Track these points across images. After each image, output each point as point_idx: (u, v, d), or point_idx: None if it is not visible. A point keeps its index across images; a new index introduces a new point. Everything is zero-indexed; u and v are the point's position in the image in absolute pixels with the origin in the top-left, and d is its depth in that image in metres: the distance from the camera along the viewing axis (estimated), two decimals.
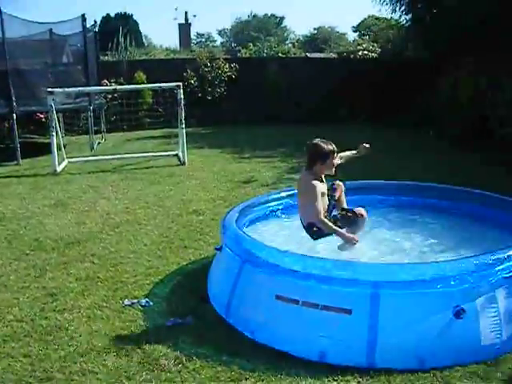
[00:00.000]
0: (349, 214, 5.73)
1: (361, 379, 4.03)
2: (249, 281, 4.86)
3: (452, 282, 4.22)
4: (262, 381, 4.04)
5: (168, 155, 13.05)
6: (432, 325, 4.23)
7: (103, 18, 48.20)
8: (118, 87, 16.08)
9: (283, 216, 6.63)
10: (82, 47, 15.76)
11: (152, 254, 6.72)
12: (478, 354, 4.24)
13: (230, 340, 4.62)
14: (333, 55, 29.16)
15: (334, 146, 5.73)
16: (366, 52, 23.49)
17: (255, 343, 4.54)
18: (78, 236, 7.48)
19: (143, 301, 5.39)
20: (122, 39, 22.13)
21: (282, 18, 76.28)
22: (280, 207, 6.75)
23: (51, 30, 15.25)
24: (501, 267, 4.38)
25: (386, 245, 5.88)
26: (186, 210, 8.67)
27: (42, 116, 15.90)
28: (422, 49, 18.72)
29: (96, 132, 16.77)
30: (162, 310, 5.24)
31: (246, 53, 31.85)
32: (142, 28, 50.00)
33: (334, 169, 5.71)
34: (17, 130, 13.10)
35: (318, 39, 63.63)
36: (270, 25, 73.84)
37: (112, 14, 51.07)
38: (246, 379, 4.07)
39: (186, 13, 40.89)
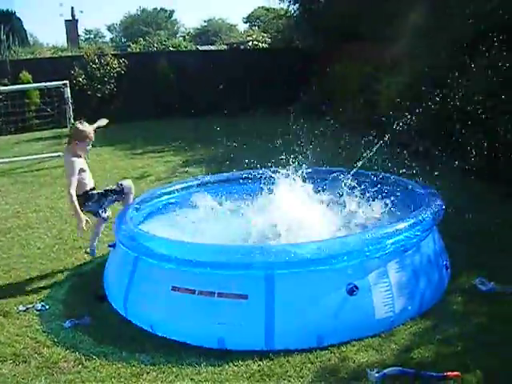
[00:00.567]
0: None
1: (261, 362, 4.16)
2: (144, 275, 4.87)
3: (344, 258, 4.37)
4: (164, 373, 4.09)
5: (59, 156, 12.65)
6: (327, 303, 4.40)
7: None
8: (2, 88, 15.42)
9: (176, 209, 6.63)
10: None
11: (46, 257, 6.57)
12: (373, 327, 4.47)
13: (130, 336, 4.63)
14: (224, 47, 29.32)
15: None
16: (256, 42, 23.77)
17: (155, 337, 4.58)
18: None
19: (39, 305, 5.29)
20: (3, 37, 21.19)
21: (172, 12, 75.74)
22: (173, 200, 6.76)
23: None
24: (390, 241, 4.58)
25: None
26: None
27: None
28: (311, 37, 19.16)
29: None
30: (58, 313, 5.16)
31: (136, 48, 31.42)
32: (26, 26, 47.95)
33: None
34: None
35: (209, 31, 63.71)
36: (160, 19, 73.08)
37: None
38: (148, 373, 4.11)
39: (72, 8, 39.58)
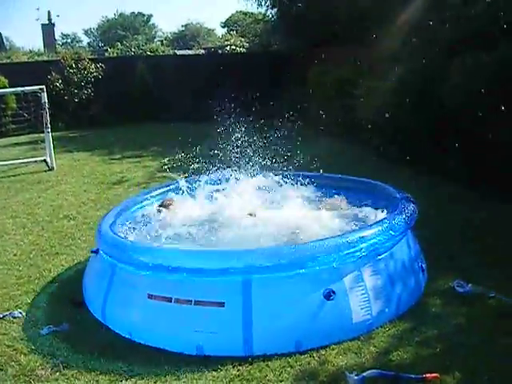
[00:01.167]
0: None
1: (240, 367, 4.15)
2: (122, 282, 4.83)
3: (319, 262, 4.38)
4: (142, 379, 4.07)
5: (35, 161, 12.56)
6: (305, 307, 4.40)
7: None
8: None
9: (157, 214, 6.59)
10: None
11: (23, 264, 6.50)
12: (352, 331, 4.48)
13: (108, 343, 4.59)
14: (201, 51, 29.30)
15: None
16: (233, 47, 23.78)
17: (133, 344, 4.55)
18: None
19: (15, 312, 5.22)
20: None
21: (150, 16, 75.37)
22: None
23: None
24: (365, 245, 4.60)
25: None
26: (56, 216, 8.44)
27: None
28: (289, 42, 19.22)
29: None
30: (36, 320, 5.09)
31: (113, 52, 31.26)
32: (2, 30, 47.51)
33: None
34: None
35: (187, 36, 63.61)
36: (138, 23, 72.74)
37: None
38: (126, 380, 4.08)
39: (48, 13, 39.29)
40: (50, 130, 12.35)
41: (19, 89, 13.23)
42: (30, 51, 33.60)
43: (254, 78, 19.34)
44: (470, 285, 5.15)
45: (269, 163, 8.44)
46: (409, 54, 10.11)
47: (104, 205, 8.30)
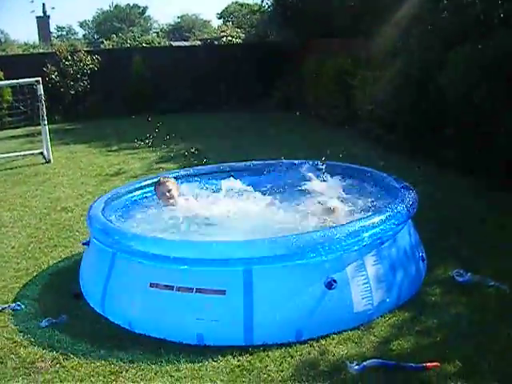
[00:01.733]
0: None
1: (240, 357, 4.14)
2: (122, 272, 4.81)
3: (322, 252, 4.35)
4: (143, 370, 4.05)
5: (32, 154, 12.52)
6: (306, 297, 4.38)
7: None
8: None
9: (149, 204, 6.55)
10: None
11: (21, 256, 6.48)
12: (352, 320, 4.47)
13: (108, 334, 4.58)
14: (197, 43, 29.18)
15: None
16: (230, 38, 23.68)
17: (133, 334, 4.53)
18: None
19: (14, 304, 5.19)
20: None
21: (145, 8, 75.19)
22: (147, 195, 6.70)
23: None
24: (367, 234, 4.58)
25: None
26: (53, 208, 8.42)
27: None
28: (285, 32, 19.16)
29: None
30: (35, 312, 5.07)
31: (109, 44, 31.13)
32: None
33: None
34: None
35: (183, 27, 63.43)
36: (133, 15, 72.51)
37: None
38: (127, 371, 4.06)
39: (43, 5, 39.24)
40: (46, 122, 12.29)
41: (15, 81, 13.15)
42: (25, 44, 33.51)
43: (250, 69, 19.31)
44: (469, 274, 5.15)
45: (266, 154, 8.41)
46: (407, 44, 10.08)
47: None
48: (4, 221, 7.95)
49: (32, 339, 4.58)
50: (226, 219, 5.70)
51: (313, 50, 16.90)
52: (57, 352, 4.35)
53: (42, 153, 12.37)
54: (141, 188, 6.76)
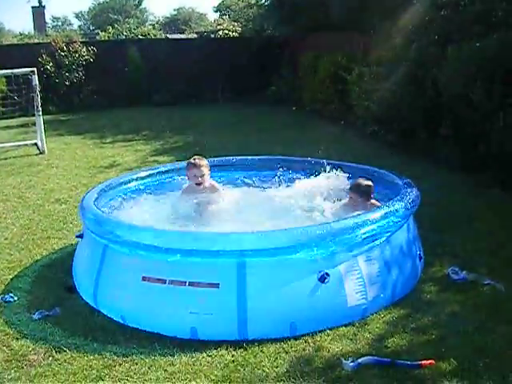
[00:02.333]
0: None
1: (235, 352, 4.11)
2: (113, 264, 4.77)
3: (315, 247, 4.34)
4: (136, 364, 4.02)
5: (26, 144, 12.44)
6: (300, 291, 4.36)
7: None
8: None
9: (143, 195, 6.51)
10: None
11: (14, 248, 6.42)
12: (347, 316, 4.46)
13: (101, 327, 4.55)
14: (194, 35, 29.03)
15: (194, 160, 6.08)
16: (226, 31, 23.58)
17: (127, 327, 4.50)
18: None
19: (7, 296, 5.14)
20: None
21: (141, 0, 74.71)
22: (141, 187, 6.66)
23: None
24: (362, 231, 4.56)
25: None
26: (47, 199, 8.35)
27: None
28: (282, 26, 19.11)
29: None
30: (27, 304, 5.03)
31: (104, 36, 30.91)
32: None
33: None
34: None
35: (179, 20, 63.16)
36: (129, 6, 72.07)
37: None
38: (120, 365, 4.03)
39: None
40: (40, 113, 12.22)
41: (9, 71, 13.03)
42: (21, 34, 33.25)
43: (246, 63, 19.26)
44: (464, 272, 5.14)
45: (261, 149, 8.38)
46: (404, 41, 10.05)
47: None
48: None
49: (24, 331, 4.54)
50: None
51: (309, 44, 16.86)
52: (49, 345, 4.31)
53: (36, 144, 12.28)
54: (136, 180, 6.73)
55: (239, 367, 3.94)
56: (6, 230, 7.09)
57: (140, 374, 3.92)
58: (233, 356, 4.07)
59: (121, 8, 69.94)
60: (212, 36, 23.99)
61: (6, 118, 17.01)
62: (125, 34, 29.85)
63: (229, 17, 32.35)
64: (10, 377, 3.94)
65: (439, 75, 8.80)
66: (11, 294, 5.18)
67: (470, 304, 4.70)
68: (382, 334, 4.31)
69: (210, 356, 4.07)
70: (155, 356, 4.09)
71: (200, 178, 5.98)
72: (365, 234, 4.57)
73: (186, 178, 6.16)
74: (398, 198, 5.16)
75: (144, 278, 4.47)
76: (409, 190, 5.40)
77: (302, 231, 4.46)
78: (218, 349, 4.14)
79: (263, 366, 3.94)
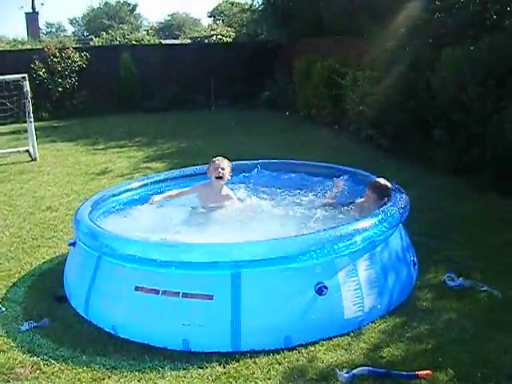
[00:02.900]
0: None
1: (227, 364, 4.02)
2: (107, 275, 4.67)
3: (313, 255, 4.24)
4: (126, 377, 3.92)
5: (18, 151, 12.31)
6: (295, 303, 4.27)
7: None
8: None
9: (134, 207, 6.37)
10: None
11: (3, 257, 6.31)
12: (343, 327, 4.36)
13: (91, 339, 4.45)
14: (187, 41, 29.00)
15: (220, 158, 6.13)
16: (220, 37, 23.54)
17: (117, 339, 4.41)
18: None
19: None
20: None
21: (135, 5, 74.68)
22: (136, 197, 6.55)
23: None
24: (359, 238, 4.48)
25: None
26: (38, 207, 8.24)
27: None
28: (276, 31, 19.07)
29: None
30: (16, 315, 4.93)
31: (98, 42, 30.86)
32: None
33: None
34: None
35: (173, 26, 63.18)
36: (123, 12, 72.01)
37: None
38: (109, 377, 3.94)
39: (32, 1, 38.70)
40: (32, 119, 12.09)
41: (1, 77, 12.92)
42: (14, 40, 33.11)
43: (240, 68, 19.21)
44: (460, 278, 5.06)
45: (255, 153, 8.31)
46: (398, 45, 10.00)
47: (87, 196, 8.01)
48: None
49: (12, 344, 4.44)
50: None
51: (303, 49, 16.81)
52: (37, 357, 4.21)
53: (27, 150, 12.16)
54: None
55: (231, 379, 3.84)
56: None
57: None
58: (224, 368, 3.98)
59: (115, 14, 69.89)
60: (206, 41, 23.94)
61: None
62: (118, 39, 29.83)
63: (222, 22, 32.36)
64: None
65: (432, 78, 8.75)
66: None
67: (467, 311, 4.62)
68: (378, 343, 4.22)
69: (201, 368, 3.98)
70: (145, 368, 4.00)
71: (222, 171, 5.97)
72: (362, 241, 4.49)
73: (208, 175, 6.12)
74: (391, 203, 5.08)
75: (137, 288, 4.38)
76: (399, 195, 5.33)
77: (298, 240, 4.39)
78: (210, 361, 4.05)
79: (255, 377, 3.85)
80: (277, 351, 4.13)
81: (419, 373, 3.73)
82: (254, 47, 19.48)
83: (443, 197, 7.73)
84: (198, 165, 7.28)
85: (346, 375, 3.74)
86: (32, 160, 11.78)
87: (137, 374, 3.95)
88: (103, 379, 3.91)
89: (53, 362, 4.14)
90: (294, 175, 7.07)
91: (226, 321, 4.16)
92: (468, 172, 8.16)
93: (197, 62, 19.71)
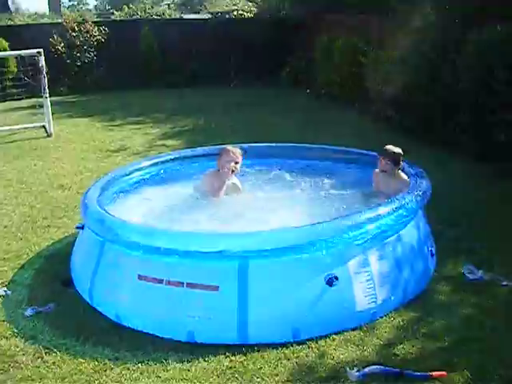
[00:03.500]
0: None
1: (233, 357, 3.88)
2: (111, 261, 4.53)
3: (323, 245, 4.06)
4: (128, 369, 3.80)
5: (34, 127, 12.18)
6: (305, 294, 4.11)
7: None
8: None
9: (146, 187, 6.25)
10: None
11: (12, 237, 6.22)
12: (354, 320, 4.20)
13: (95, 327, 4.34)
14: (208, 15, 28.62)
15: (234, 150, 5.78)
16: (241, 12, 23.17)
17: (121, 328, 4.28)
18: None
19: (1, 290, 4.95)
20: None
21: None
22: (146, 177, 6.40)
23: None
24: (372, 227, 4.29)
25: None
26: (50, 185, 8.12)
27: None
28: (298, 7, 18.69)
29: None
30: (21, 299, 4.83)
31: (119, 15, 30.57)
32: None
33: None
34: None
35: (194, 0, 62.60)
36: None
37: None
38: (111, 369, 3.82)
39: None
40: (48, 95, 11.91)
41: (16, 52, 12.79)
42: (36, 13, 32.96)
43: (260, 44, 18.86)
44: (481, 271, 4.85)
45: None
46: (423, 25, 9.66)
47: (101, 174, 7.87)
48: None
49: (15, 330, 4.35)
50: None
51: (325, 26, 16.42)
52: (39, 345, 4.11)
53: (43, 126, 12.04)
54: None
55: (237, 375, 3.70)
56: (6, 216, 6.90)
57: (131, 379, 3.70)
58: (231, 361, 3.84)
59: None
60: (226, 16, 23.58)
61: (16, 100, 16.78)
62: (139, 13, 29.52)
63: None
64: None
65: (459, 60, 8.44)
66: (5, 288, 5.00)
67: (486, 307, 4.42)
68: (391, 339, 4.04)
69: (206, 361, 3.84)
70: (148, 360, 3.87)
71: (237, 166, 5.70)
72: (374, 230, 4.29)
73: (220, 164, 5.74)
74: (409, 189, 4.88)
75: (140, 277, 4.24)
76: (420, 180, 5.12)
77: (308, 229, 4.20)
78: (216, 353, 3.91)
79: (262, 373, 3.70)
80: (285, 345, 3.98)
81: (434, 373, 3.55)
82: (276, 24, 19.12)
83: (466, 183, 7.48)
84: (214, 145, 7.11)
85: (356, 374, 3.58)
86: (48, 136, 11.65)
87: (139, 365, 3.82)
88: (105, 371, 3.79)
89: (55, 350, 4.03)
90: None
91: (233, 312, 4.01)
92: (493, 158, 7.85)
93: (217, 37, 19.40)
